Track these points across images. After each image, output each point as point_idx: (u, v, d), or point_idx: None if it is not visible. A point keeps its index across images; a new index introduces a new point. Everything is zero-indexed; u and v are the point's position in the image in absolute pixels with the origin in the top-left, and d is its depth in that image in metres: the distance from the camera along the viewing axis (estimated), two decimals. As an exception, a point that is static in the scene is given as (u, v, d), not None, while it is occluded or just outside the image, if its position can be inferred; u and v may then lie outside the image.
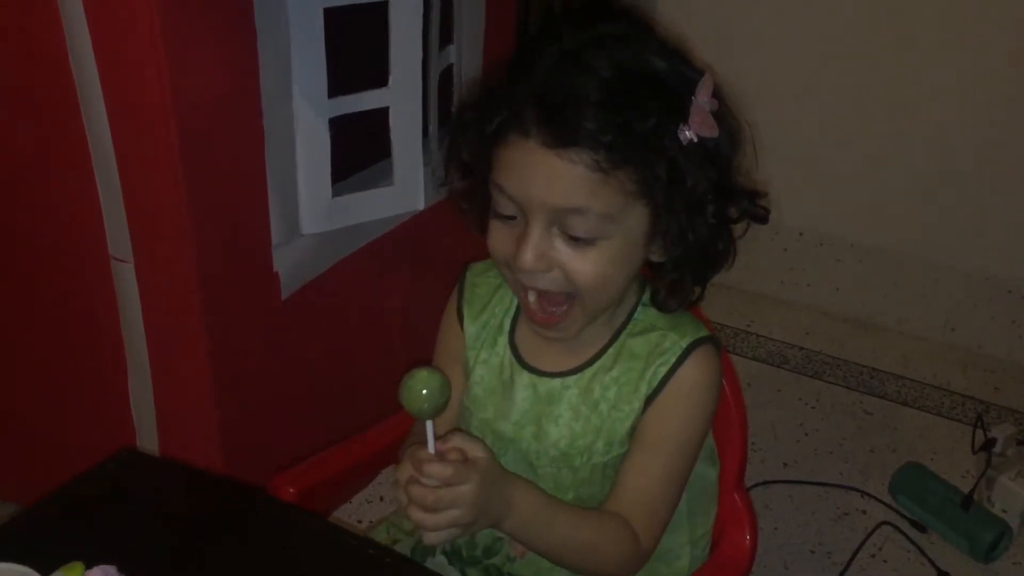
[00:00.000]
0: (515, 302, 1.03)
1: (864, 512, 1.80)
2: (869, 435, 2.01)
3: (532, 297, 0.92)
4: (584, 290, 0.89)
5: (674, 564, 1.03)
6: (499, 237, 0.91)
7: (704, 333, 0.97)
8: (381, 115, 1.54)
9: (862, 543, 1.70)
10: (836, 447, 1.97)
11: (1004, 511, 1.74)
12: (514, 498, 0.87)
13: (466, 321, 1.04)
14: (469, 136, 0.94)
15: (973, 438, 1.92)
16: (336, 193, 1.53)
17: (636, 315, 0.98)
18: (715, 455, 1.05)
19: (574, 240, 0.87)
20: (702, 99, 0.87)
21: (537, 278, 0.89)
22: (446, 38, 1.66)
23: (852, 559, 1.67)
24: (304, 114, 1.44)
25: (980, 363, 2.22)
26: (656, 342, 0.96)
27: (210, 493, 0.94)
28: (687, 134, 0.86)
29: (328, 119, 1.46)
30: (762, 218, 0.94)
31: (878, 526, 1.73)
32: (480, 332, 1.03)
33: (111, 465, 0.94)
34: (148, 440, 1.54)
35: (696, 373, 0.95)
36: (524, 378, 0.99)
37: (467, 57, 1.73)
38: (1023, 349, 2.21)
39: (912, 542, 1.72)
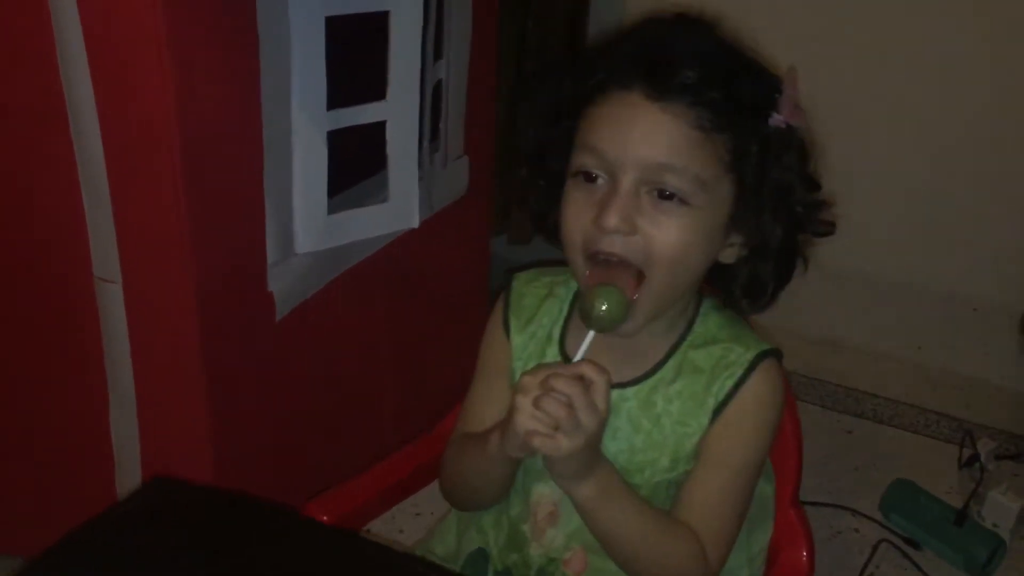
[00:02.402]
0: (563, 311, 0.99)
1: (857, 531, 1.79)
2: (852, 454, 2.01)
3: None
4: (661, 262, 0.85)
5: (733, 585, 0.99)
6: (577, 204, 0.88)
7: (768, 346, 0.94)
8: (368, 129, 1.48)
9: (867, 562, 1.68)
10: (821, 466, 1.96)
11: (995, 525, 1.75)
12: (603, 461, 0.86)
13: (513, 331, 1.00)
14: (548, 103, 0.93)
15: (960, 454, 1.93)
16: (330, 210, 1.47)
17: (695, 327, 0.95)
18: (770, 471, 1.02)
19: (663, 200, 0.85)
20: (791, 89, 0.87)
21: (616, 241, 0.85)
22: (437, 53, 1.62)
23: (859, 579, 1.65)
24: (302, 127, 1.38)
25: (949, 381, 2.25)
26: (721, 355, 0.93)
27: (250, 517, 0.87)
28: (778, 118, 0.87)
29: (326, 132, 1.40)
30: (827, 232, 0.93)
31: (879, 543, 1.73)
32: (527, 343, 0.99)
33: (145, 493, 0.86)
34: (128, 473, 1.44)
35: (763, 387, 0.92)
36: None
37: (454, 73, 1.69)
38: (990, 366, 2.24)
39: (910, 559, 1.71)
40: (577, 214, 0.87)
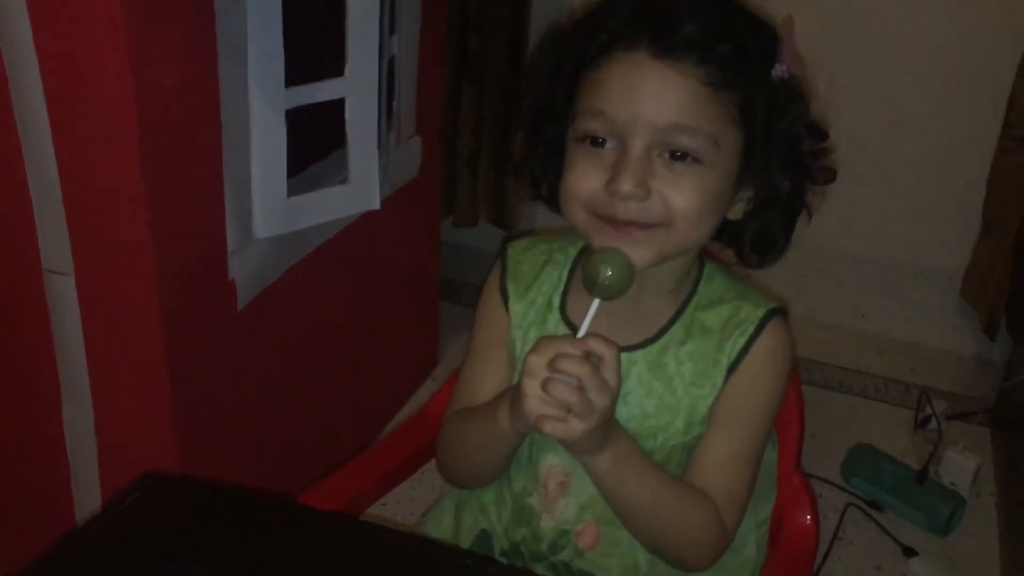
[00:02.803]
0: (563, 277, 0.96)
1: (821, 496, 1.81)
2: (807, 422, 2.02)
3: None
4: (679, 219, 0.83)
5: (741, 553, 0.98)
6: (584, 170, 0.85)
7: (775, 303, 0.93)
8: (323, 107, 1.43)
9: (837, 528, 1.70)
10: (778, 435, 1.98)
11: (953, 484, 1.79)
12: (617, 429, 0.84)
13: (512, 299, 0.97)
14: (552, 69, 0.89)
15: (916, 416, 1.97)
16: (288, 193, 1.41)
17: (700, 288, 0.94)
18: (774, 436, 1.01)
19: (676, 161, 0.83)
20: (789, 38, 0.86)
21: (632, 207, 0.83)
22: (391, 27, 1.58)
23: (832, 544, 1.67)
24: (260, 106, 1.32)
25: (893, 347, 2.30)
26: (730, 314, 0.92)
27: (249, 509, 0.82)
28: (781, 68, 0.86)
29: (284, 111, 1.35)
30: (829, 179, 0.92)
31: (846, 507, 1.75)
32: (527, 310, 0.96)
33: (138, 491, 0.81)
34: (85, 474, 1.37)
35: (774, 344, 0.91)
36: None
37: (406, 49, 1.65)
38: (931, 332, 2.29)
39: (875, 521, 1.74)
40: (584, 177, 0.85)
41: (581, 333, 0.80)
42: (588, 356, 0.79)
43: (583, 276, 0.84)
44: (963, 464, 1.78)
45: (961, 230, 2.14)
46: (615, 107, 0.83)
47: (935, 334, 2.29)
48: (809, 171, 0.90)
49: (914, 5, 2.04)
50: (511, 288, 0.97)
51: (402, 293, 1.91)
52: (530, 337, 0.95)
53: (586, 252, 0.95)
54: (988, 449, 1.94)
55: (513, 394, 0.84)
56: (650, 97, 0.82)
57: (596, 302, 0.82)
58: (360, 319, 1.73)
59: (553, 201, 0.94)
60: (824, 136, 0.90)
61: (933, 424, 1.92)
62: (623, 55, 0.84)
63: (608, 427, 0.83)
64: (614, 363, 0.80)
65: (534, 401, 0.79)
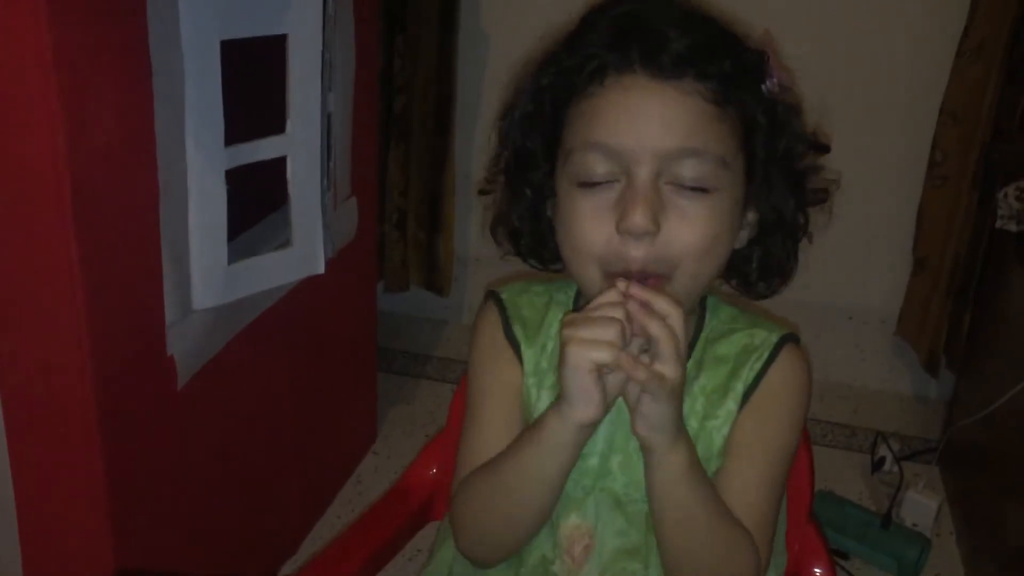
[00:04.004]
0: None
1: (786, 548, 1.77)
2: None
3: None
4: (687, 262, 0.78)
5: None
6: (591, 217, 0.78)
7: (788, 330, 0.89)
8: (260, 166, 1.35)
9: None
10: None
11: (916, 525, 1.77)
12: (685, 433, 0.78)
13: (523, 345, 0.89)
14: (532, 109, 0.83)
15: (872, 459, 1.95)
16: (229, 259, 1.32)
17: (707, 322, 0.89)
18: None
19: (685, 190, 0.77)
20: (773, 51, 0.82)
21: (643, 246, 0.76)
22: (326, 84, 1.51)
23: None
24: (199, 166, 1.23)
25: (833, 391, 2.29)
26: (744, 342, 0.87)
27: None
28: (772, 82, 0.81)
29: (224, 172, 1.26)
30: (822, 199, 0.89)
31: (816, 557, 1.70)
32: (539, 357, 0.89)
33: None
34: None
35: (791, 368, 0.87)
36: None
37: (341, 106, 1.58)
38: (870, 373, 2.30)
39: (845, 570, 1.70)
40: (594, 227, 0.78)
41: None
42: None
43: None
44: (925, 504, 1.76)
45: (892, 269, 2.17)
46: (616, 136, 0.77)
47: (874, 375, 2.29)
48: (806, 188, 0.86)
49: (839, 44, 2.07)
50: (519, 334, 0.90)
51: (340, 363, 1.81)
52: (546, 386, 0.87)
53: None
54: (940, 488, 1.94)
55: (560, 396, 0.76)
56: (654, 120, 0.76)
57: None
58: (300, 393, 1.63)
59: (538, 256, 0.88)
60: (826, 148, 0.87)
61: (888, 466, 1.90)
62: (616, 80, 0.78)
63: (681, 412, 0.76)
64: (680, 321, 0.73)
65: (601, 349, 0.71)
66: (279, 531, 1.64)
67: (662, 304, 0.73)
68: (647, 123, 0.76)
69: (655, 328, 0.72)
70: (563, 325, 0.74)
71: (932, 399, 2.22)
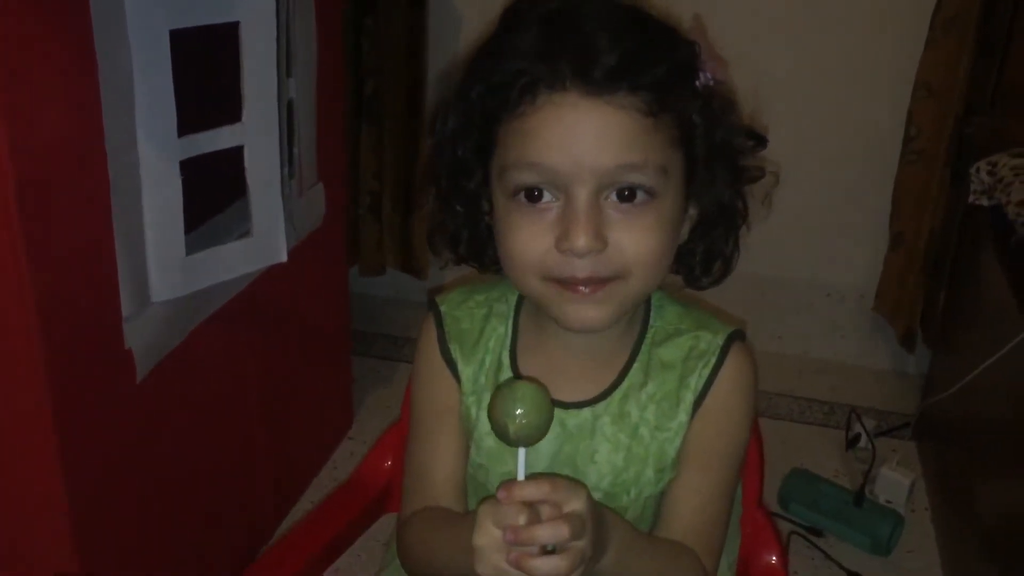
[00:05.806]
0: (509, 329, 0.89)
1: (760, 526, 1.77)
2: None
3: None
4: (637, 267, 0.77)
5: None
6: (528, 231, 0.77)
7: (733, 327, 0.88)
8: (219, 155, 1.33)
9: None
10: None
11: (889, 501, 1.77)
12: (611, 533, 0.74)
13: (460, 364, 0.88)
14: (461, 120, 0.80)
15: (847, 436, 1.95)
16: (187, 250, 1.31)
17: (652, 322, 0.88)
18: (737, 469, 0.95)
19: (626, 204, 0.75)
20: (704, 42, 0.80)
21: (588, 263, 0.75)
22: (287, 70, 1.49)
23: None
24: (151, 157, 1.21)
25: (812, 367, 2.29)
26: (690, 345, 0.86)
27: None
28: (705, 76, 0.79)
29: (178, 163, 1.25)
30: (758, 176, 0.87)
31: (789, 536, 1.71)
32: (477, 374, 0.88)
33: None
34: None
35: (738, 372, 0.86)
36: None
37: (303, 92, 1.56)
38: (848, 349, 2.30)
39: (817, 547, 1.70)
40: (530, 239, 0.77)
41: (519, 477, 0.69)
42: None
43: (493, 426, 0.71)
44: (897, 481, 1.76)
45: (869, 245, 2.16)
46: (552, 157, 0.75)
47: (852, 351, 2.29)
48: (744, 176, 0.85)
49: (813, 23, 2.05)
50: (455, 351, 0.89)
51: (312, 350, 1.80)
52: (484, 402, 0.86)
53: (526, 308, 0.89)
54: (917, 464, 1.94)
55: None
56: (590, 140, 0.74)
57: (522, 451, 0.70)
58: (270, 382, 1.62)
59: (478, 260, 0.87)
60: (764, 141, 0.85)
61: (863, 442, 1.90)
62: (548, 98, 0.75)
63: (599, 538, 0.72)
64: (584, 504, 0.69)
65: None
66: (251, 520, 1.64)
67: (557, 494, 0.68)
68: (583, 142, 0.74)
69: (548, 535, 0.67)
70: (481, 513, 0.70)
71: (910, 374, 2.22)
